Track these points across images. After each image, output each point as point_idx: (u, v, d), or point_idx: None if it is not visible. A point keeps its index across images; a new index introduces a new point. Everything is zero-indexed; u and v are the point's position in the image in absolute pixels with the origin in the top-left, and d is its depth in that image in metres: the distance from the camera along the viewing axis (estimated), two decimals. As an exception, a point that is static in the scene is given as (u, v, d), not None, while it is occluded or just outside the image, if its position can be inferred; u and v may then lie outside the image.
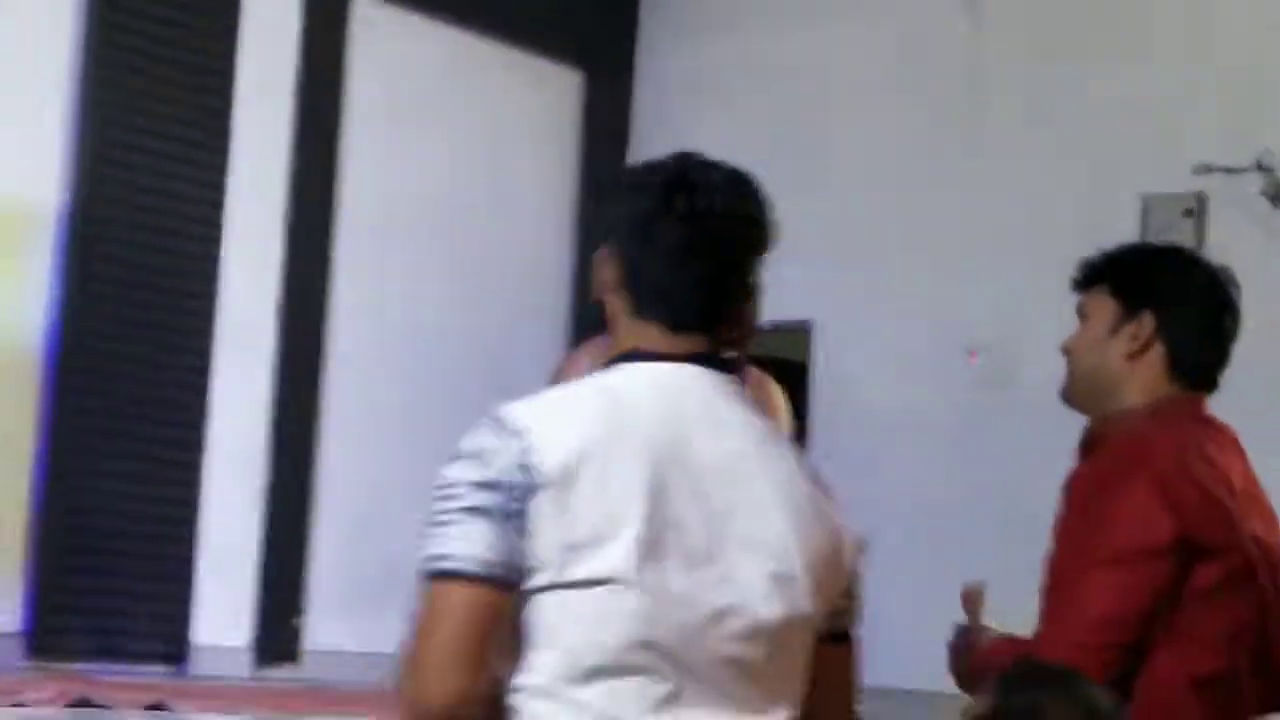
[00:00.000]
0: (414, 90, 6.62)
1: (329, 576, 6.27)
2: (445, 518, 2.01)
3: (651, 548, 2.02)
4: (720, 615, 2.05)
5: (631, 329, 2.13)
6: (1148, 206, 5.69)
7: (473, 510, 2.00)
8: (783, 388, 3.27)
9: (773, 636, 2.10)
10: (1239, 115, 5.60)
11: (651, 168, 2.17)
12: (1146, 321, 2.68)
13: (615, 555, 2.00)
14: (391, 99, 6.53)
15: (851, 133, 6.52)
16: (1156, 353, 2.68)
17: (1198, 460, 2.58)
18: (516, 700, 2.02)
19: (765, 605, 2.08)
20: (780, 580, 2.10)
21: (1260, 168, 5.50)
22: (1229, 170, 5.54)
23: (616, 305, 2.15)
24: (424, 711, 1.98)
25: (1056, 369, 2.85)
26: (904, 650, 4.45)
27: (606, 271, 2.14)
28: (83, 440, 5.59)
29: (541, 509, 2.00)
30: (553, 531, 2.00)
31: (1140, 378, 2.68)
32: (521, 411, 2.05)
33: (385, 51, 6.52)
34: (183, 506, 5.82)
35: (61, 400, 5.58)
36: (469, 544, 1.99)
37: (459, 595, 1.99)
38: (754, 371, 3.23)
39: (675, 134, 7.01)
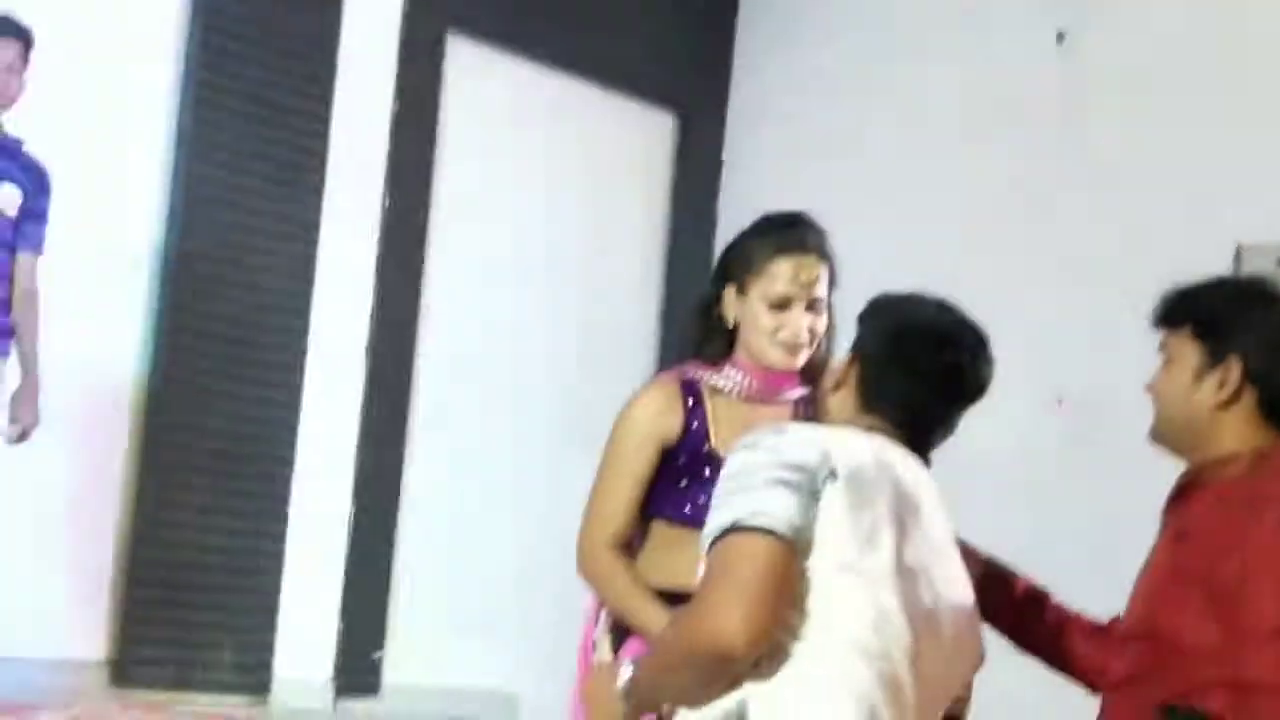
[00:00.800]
0: (506, 131, 6.66)
1: (413, 610, 6.29)
2: (750, 484, 2.27)
3: (901, 568, 2.31)
4: (929, 648, 2.33)
5: (863, 420, 2.48)
6: (1240, 255, 5.62)
7: (777, 481, 2.26)
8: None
9: (941, 694, 2.40)
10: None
11: (918, 307, 2.58)
12: (1234, 368, 2.63)
13: (883, 559, 2.29)
14: (484, 140, 6.57)
15: (944, 175, 6.49)
16: (1247, 399, 2.63)
17: None
18: (786, 656, 2.25)
19: (953, 666, 2.40)
20: (959, 651, 2.41)
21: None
22: (1323, 221, 5.47)
23: (842, 399, 2.53)
24: (721, 649, 2.20)
25: (1146, 416, 2.81)
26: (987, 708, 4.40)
27: (846, 372, 2.53)
28: (173, 475, 5.64)
29: (834, 497, 2.27)
30: (842, 520, 2.27)
31: (1232, 425, 2.63)
32: (808, 430, 2.38)
33: (479, 92, 6.56)
34: (269, 540, 5.85)
35: (153, 434, 5.63)
36: (773, 505, 2.24)
37: (763, 546, 2.23)
38: None
39: (766, 177, 7.01)
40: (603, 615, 3.12)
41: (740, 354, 3.19)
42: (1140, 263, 5.86)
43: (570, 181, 6.88)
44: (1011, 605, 2.82)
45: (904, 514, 2.34)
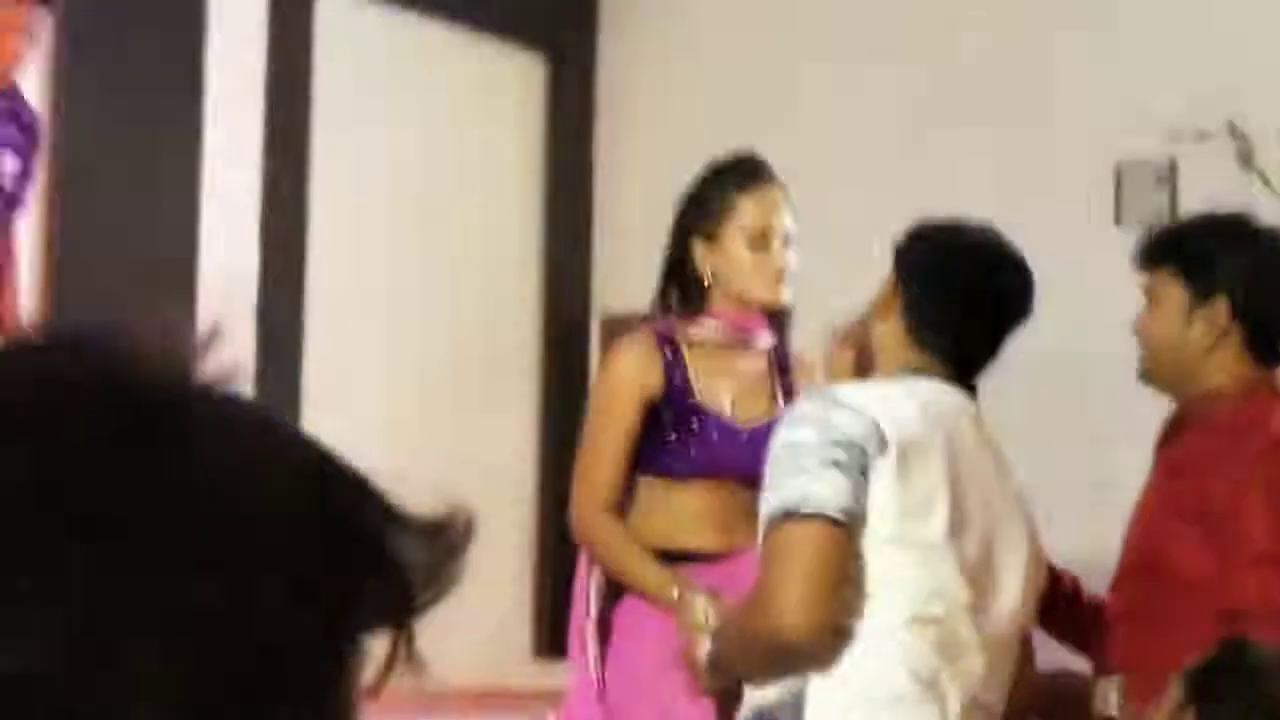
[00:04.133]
0: (380, 82, 6.59)
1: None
2: (801, 466, 2.26)
3: (955, 526, 2.31)
4: (994, 594, 2.36)
5: (911, 356, 2.47)
6: (1121, 174, 5.69)
7: (828, 462, 2.25)
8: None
9: (1014, 631, 2.41)
10: (1209, 80, 5.59)
11: (963, 233, 2.59)
12: (1220, 308, 2.66)
13: (936, 525, 2.30)
14: (358, 92, 6.50)
15: (820, 111, 6.49)
16: (1233, 337, 2.67)
17: None
18: (849, 638, 2.27)
19: (1018, 602, 2.40)
20: (1025, 585, 2.42)
21: (1231, 132, 5.49)
22: (1200, 135, 5.53)
23: (889, 331, 2.48)
24: (783, 641, 2.23)
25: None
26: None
27: (891, 301, 2.50)
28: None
29: (884, 472, 2.27)
30: (892, 493, 2.28)
31: (1219, 361, 2.68)
32: (857, 395, 2.36)
33: (350, 44, 6.49)
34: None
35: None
36: (826, 490, 2.24)
37: (818, 534, 2.23)
38: None
39: (639, 115, 6.99)
40: (595, 576, 3.10)
41: (716, 305, 3.18)
42: (1020, 190, 5.92)
43: (445, 129, 6.82)
44: (1065, 611, 2.79)
45: (958, 467, 2.36)
